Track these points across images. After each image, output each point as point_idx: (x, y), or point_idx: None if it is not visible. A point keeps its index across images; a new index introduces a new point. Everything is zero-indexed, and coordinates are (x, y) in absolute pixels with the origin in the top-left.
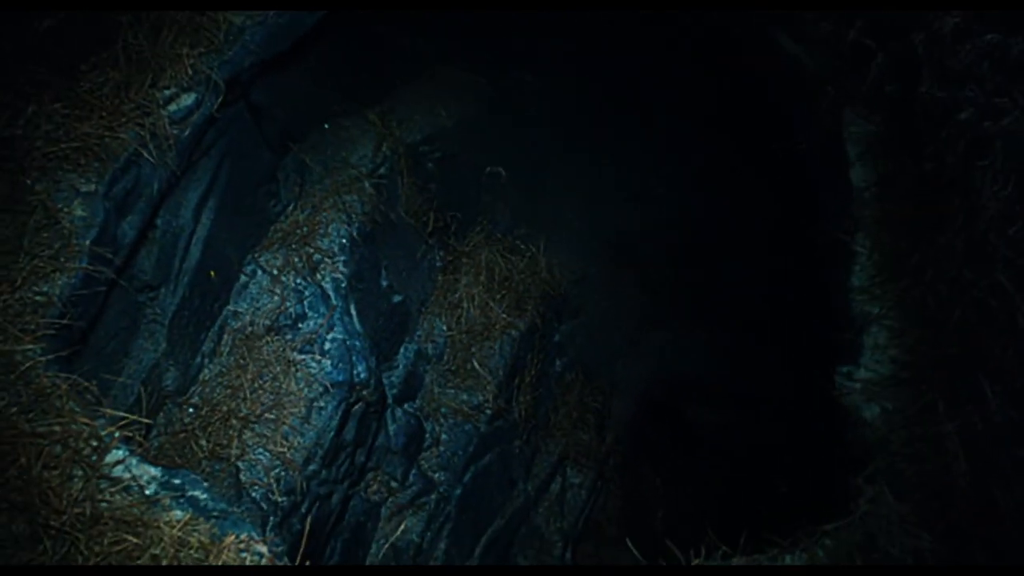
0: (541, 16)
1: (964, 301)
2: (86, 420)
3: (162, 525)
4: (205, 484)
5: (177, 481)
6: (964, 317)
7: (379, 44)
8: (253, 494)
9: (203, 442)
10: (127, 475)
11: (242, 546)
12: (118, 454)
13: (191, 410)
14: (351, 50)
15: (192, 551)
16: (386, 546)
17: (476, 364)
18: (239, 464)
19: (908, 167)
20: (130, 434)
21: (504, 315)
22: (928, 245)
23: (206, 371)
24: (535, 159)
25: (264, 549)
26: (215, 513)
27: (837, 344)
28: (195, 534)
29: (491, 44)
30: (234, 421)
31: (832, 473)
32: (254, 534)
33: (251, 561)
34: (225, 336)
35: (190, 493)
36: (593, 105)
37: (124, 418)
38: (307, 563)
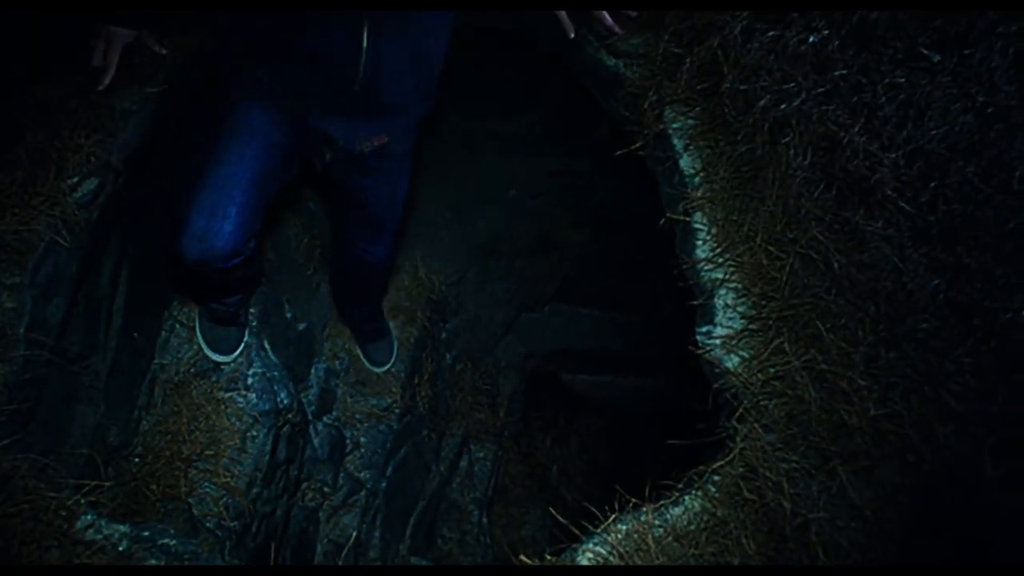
0: None
1: (790, 257)
2: (52, 493)
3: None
4: (171, 531)
5: (146, 534)
6: (793, 270)
7: None
8: (207, 524)
9: (153, 487)
10: (99, 536)
11: None
12: (87, 519)
13: (136, 460)
14: None
15: None
16: (328, 544)
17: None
18: (190, 500)
19: (727, 151)
20: (94, 498)
21: (396, 331)
22: (754, 215)
23: (144, 422)
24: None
25: None
26: (186, 556)
27: (695, 309)
28: None
29: None
30: (178, 463)
31: (711, 420)
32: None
33: None
34: (156, 388)
35: (160, 542)
36: (454, 128)
37: (86, 485)
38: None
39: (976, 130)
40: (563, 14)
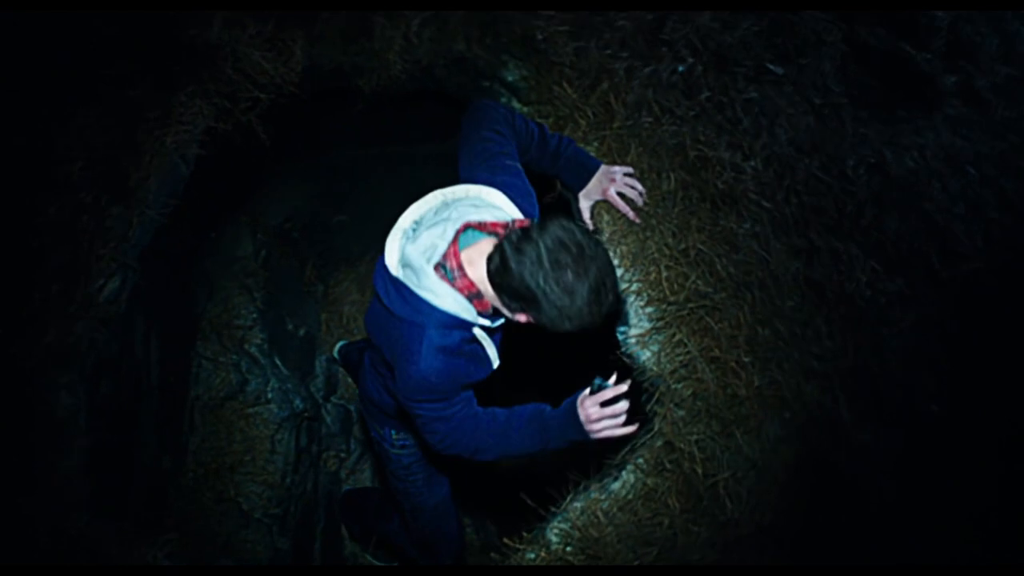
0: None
1: (683, 267)
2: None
3: None
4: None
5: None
6: (686, 277)
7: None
8: (256, 516)
9: (208, 494)
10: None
11: None
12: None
13: (190, 475)
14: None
15: None
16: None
17: None
18: (239, 499)
19: None
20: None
21: None
22: (656, 239)
23: (191, 444)
24: (367, 203)
25: None
26: None
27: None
28: None
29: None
30: (224, 471)
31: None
32: None
33: None
34: (196, 415)
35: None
36: (397, 155)
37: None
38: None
39: (816, 129)
40: (588, 215)
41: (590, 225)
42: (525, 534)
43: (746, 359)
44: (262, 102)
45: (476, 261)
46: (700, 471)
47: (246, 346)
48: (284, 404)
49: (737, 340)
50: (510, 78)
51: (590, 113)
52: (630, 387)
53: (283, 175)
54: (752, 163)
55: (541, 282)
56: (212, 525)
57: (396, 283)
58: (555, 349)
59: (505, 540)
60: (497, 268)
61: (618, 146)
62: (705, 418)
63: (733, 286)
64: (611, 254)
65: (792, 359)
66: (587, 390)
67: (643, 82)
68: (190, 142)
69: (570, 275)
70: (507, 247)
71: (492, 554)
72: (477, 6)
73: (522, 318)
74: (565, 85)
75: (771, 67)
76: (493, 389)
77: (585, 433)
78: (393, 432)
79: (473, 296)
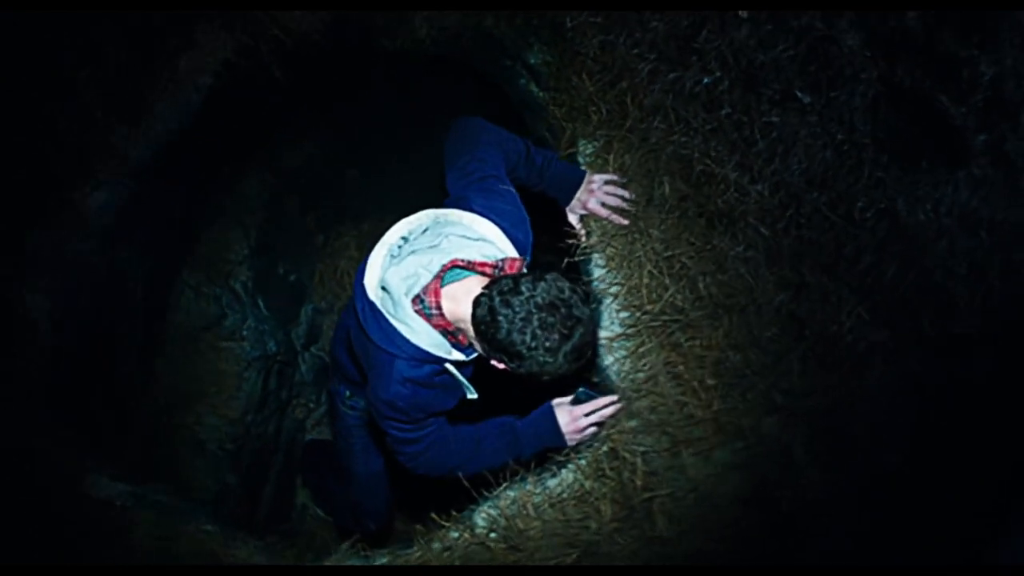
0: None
1: (664, 278)
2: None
3: (135, 527)
4: (163, 488)
5: (141, 492)
6: (664, 289)
7: (260, 103)
8: (210, 447)
9: (168, 419)
10: (102, 494)
11: (196, 531)
12: (94, 478)
13: (155, 396)
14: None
15: (163, 541)
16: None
17: None
18: (196, 428)
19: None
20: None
21: None
22: (643, 243)
23: (160, 368)
24: (379, 160)
25: (212, 527)
26: (174, 510)
27: None
28: (162, 528)
29: (337, 92)
30: (187, 399)
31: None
32: (203, 519)
33: (204, 539)
34: (169, 340)
35: (153, 498)
36: (413, 118)
37: (98, 449)
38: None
39: (832, 165)
40: (579, 225)
41: (582, 238)
42: (454, 512)
43: (710, 381)
44: (285, 45)
45: (461, 299)
46: (639, 483)
47: (231, 281)
48: (257, 344)
49: (704, 361)
50: (532, 61)
51: (604, 109)
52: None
53: (300, 122)
54: (759, 187)
55: (528, 340)
56: (167, 449)
57: (373, 307)
58: None
59: (432, 515)
60: (483, 318)
61: (622, 147)
62: (656, 432)
63: (711, 307)
64: (599, 257)
65: (757, 390)
66: (566, 399)
67: (664, 87)
68: (205, 71)
69: (556, 337)
70: (496, 299)
71: (417, 526)
72: None
73: (499, 365)
74: (585, 77)
75: (799, 94)
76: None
77: (562, 439)
78: (347, 392)
79: (449, 333)
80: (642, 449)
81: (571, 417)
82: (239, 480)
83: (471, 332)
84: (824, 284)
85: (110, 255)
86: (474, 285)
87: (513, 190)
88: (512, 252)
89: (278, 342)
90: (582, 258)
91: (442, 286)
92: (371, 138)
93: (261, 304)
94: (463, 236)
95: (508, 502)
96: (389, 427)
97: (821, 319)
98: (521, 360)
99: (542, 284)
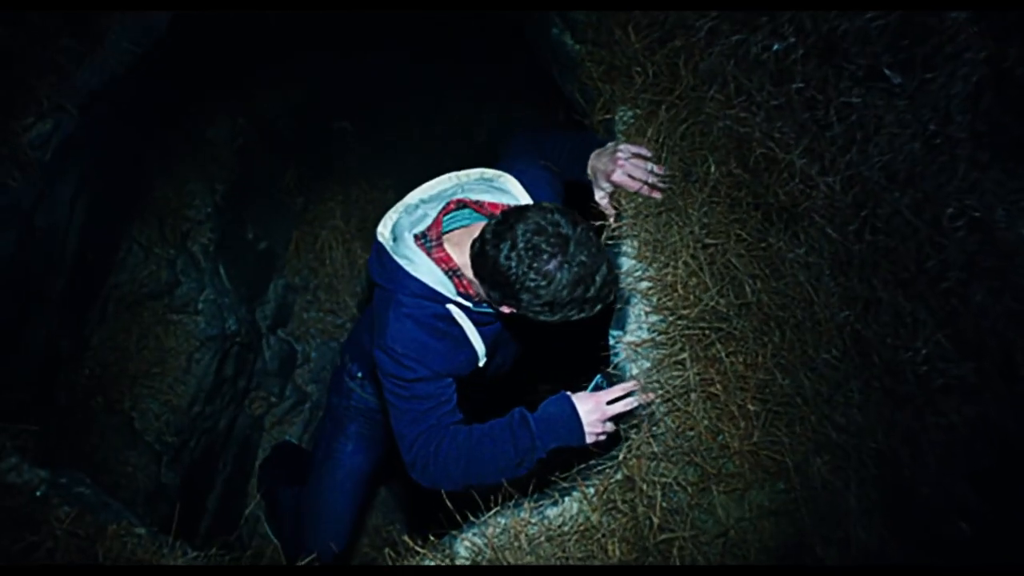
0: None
1: (705, 278)
2: None
3: (53, 521)
4: (87, 480)
5: (63, 480)
6: (705, 291)
7: (237, 35)
8: (147, 438)
9: (99, 398)
10: (19, 480)
11: (123, 532)
12: (11, 461)
13: (86, 372)
14: (207, 46)
15: (82, 541)
16: (269, 450)
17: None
18: (132, 414)
19: (666, 159)
20: (20, 442)
21: (364, 255)
22: (679, 233)
23: (95, 338)
24: (379, 116)
25: (143, 531)
26: (98, 506)
27: (612, 313)
28: (83, 527)
29: (343, 32)
30: (124, 378)
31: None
32: (132, 519)
33: (131, 543)
34: (110, 306)
35: (75, 490)
36: (423, 71)
37: (14, 427)
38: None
39: (920, 160)
40: (605, 201)
41: (612, 217)
42: (431, 537)
43: (752, 407)
44: None
45: (463, 244)
46: (656, 521)
47: (189, 243)
48: (215, 320)
49: (748, 382)
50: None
51: (650, 71)
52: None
53: (285, 60)
54: (829, 180)
55: (514, 266)
56: (92, 434)
57: (379, 249)
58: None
59: (405, 538)
60: (476, 253)
61: (668, 117)
62: (682, 462)
63: (761, 317)
64: (629, 243)
65: (808, 423)
66: (586, 391)
67: (726, 51)
68: None
69: (546, 259)
70: (487, 231)
71: (387, 550)
72: None
73: (505, 309)
74: (631, 31)
75: (888, 72)
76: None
77: (581, 436)
78: (358, 370)
79: (452, 273)
80: (664, 480)
81: (595, 403)
82: (179, 481)
83: (471, 275)
84: (898, 302)
85: (45, 197)
86: (479, 230)
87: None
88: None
89: (240, 320)
90: (610, 243)
91: (445, 229)
92: (370, 87)
93: (223, 273)
94: (481, 183)
95: (497, 530)
96: (390, 389)
97: (892, 344)
98: (516, 292)
99: (531, 211)
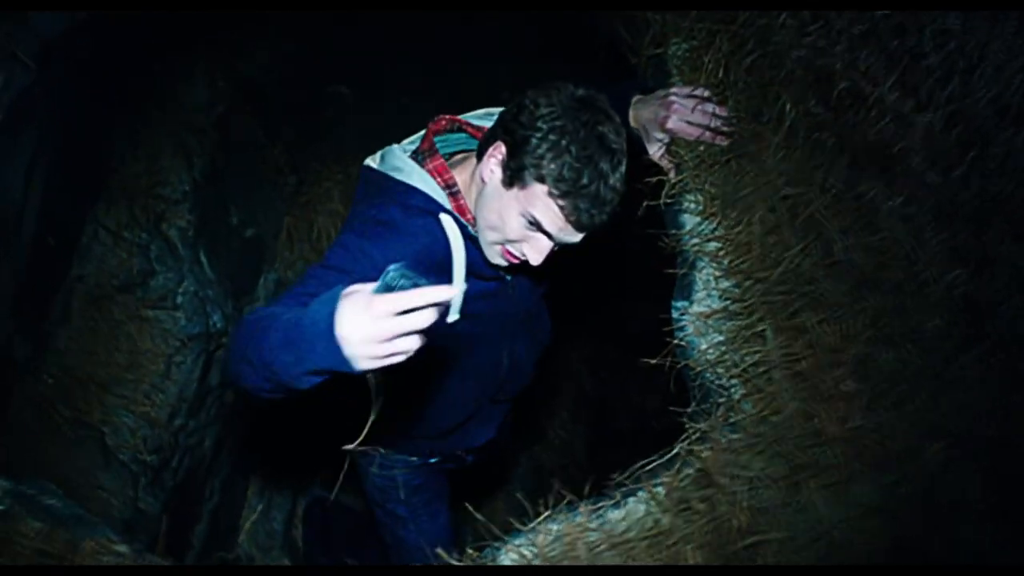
0: None
1: (785, 234)
2: None
3: (20, 538)
4: (57, 491)
5: (30, 492)
6: (787, 249)
7: None
8: (121, 457)
9: (64, 411)
10: None
11: (101, 549)
12: None
13: (49, 379)
14: None
15: (54, 560)
16: (264, 477)
17: None
18: (103, 429)
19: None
20: None
21: None
22: (752, 183)
23: (58, 339)
24: (378, 82)
25: (124, 548)
26: (70, 520)
27: (672, 281)
28: (54, 543)
29: None
30: (93, 386)
31: (669, 407)
32: (111, 535)
33: (111, 562)
34: (74, 301)
35: (44, 502)
36: (433, 21)
37: None
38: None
39: None
40: (660, 154)
41: (670, 171)
42: (469, 550)
43: (848, 386)
44: None
45: (465, 171)
46: (742, 523)
47: (164, 225)
48: (197, 316)
49: (842, 356)
50: None
51: None
52: None
53: (272, 9)
54: (927, 117)
55: (549, 118)
56: (57, 453)
57: (364, 173)
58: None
59: (438, 551)
60: (508, 108)
61: (730, 48)
62: (768, 452)
63: (854, 279)
64: (692, 198)
65: (916, 402)
66: (367, 287)
67: None
68: None
69: (585, 118)
70: (529, 92)
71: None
72: None
73: (489, 165)
74: None
75: None
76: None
77: (337, 351)
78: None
79: (448, 188)
80: (747, 474)
81: (366, 310)
82: (160, 507)
83: (472, 193)
84: (1017, 260)
85: None
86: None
87: None
88: None
89: (226, 316)
90: (670, 201)
91: (443, 152)
92: (373, 46)
93: (204, 260)
94: (485, 113)
95: (550, 538)
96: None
97: (1010, 310)
98: (525, 136)
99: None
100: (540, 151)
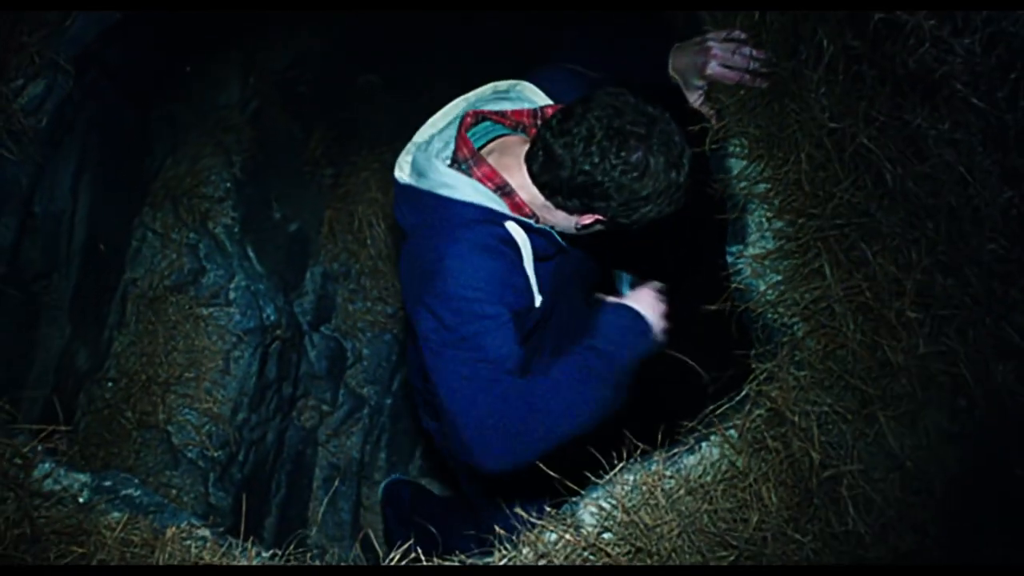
0: None
1: (835, 168)
2: (6, 440)
3: (103, 530)
4: (136, 481)
5: (108, 483)
6: (837, 183)
7: None
8: (189, 455)
9: (128, 414)
10: (58, 487)
11: (184, 535)
12: (45, 468)
13: (110, 384)
14: None
15: (137, 549)
16: (328, 468)
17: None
18: (168, 428)
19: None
20: (52, 444)
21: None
22: (797, 119)
23: (117, 343)
24: (408, 68)
25: (207, 532)
26: (152, 508)
27: (724, 226)
28: (136, 532)
29: None
30: (155, 387)
31: (733, 350)
32: (194, 521)
33: (195, 547)
34: (129, 305)
35: (123, 492)
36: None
37: (43, 430)
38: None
39: None
40: (701, 102)
41: (713, 117)
42: (546, 507)
43: (912, 314)
44: None
45: (510, 165)
46: (816, 458)
47: (210, 224)
48: (251, 311)
49: (903, 285)
50: None
51: None
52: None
53: (300, 6)
54: (967, 42)
55: (598, 161)
56: (127, 456)
57: (404, 191)
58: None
59: (518, 510)
60: (542, 164)
61: None
62: (837, 387)
63: (908, 208)
64: (737, 143)
65: (982, 326)
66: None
67: None
68: None
69: (635, 144)
70: (547, 135)
71: (496, 526)
72: None
73: (588, 219)
74: None
75: None
76: None
77: (651, 336)
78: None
79: (500, 190)
80: (819, 410)
81: (650, 298)
82: (231, 501)
83: (532, 192)
84: None
85: (44, 176)
86: (515, 144)
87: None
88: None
89: (279, 309)
90: (715, 147)
91: (477, 146)
92: (402, 34)
93: (252, 255)
94: (494, 93)
95: (627, 489)
96: (422, 327)
97: None
98: (606, 193)
99: (597, 96)
100: (616, 208)
